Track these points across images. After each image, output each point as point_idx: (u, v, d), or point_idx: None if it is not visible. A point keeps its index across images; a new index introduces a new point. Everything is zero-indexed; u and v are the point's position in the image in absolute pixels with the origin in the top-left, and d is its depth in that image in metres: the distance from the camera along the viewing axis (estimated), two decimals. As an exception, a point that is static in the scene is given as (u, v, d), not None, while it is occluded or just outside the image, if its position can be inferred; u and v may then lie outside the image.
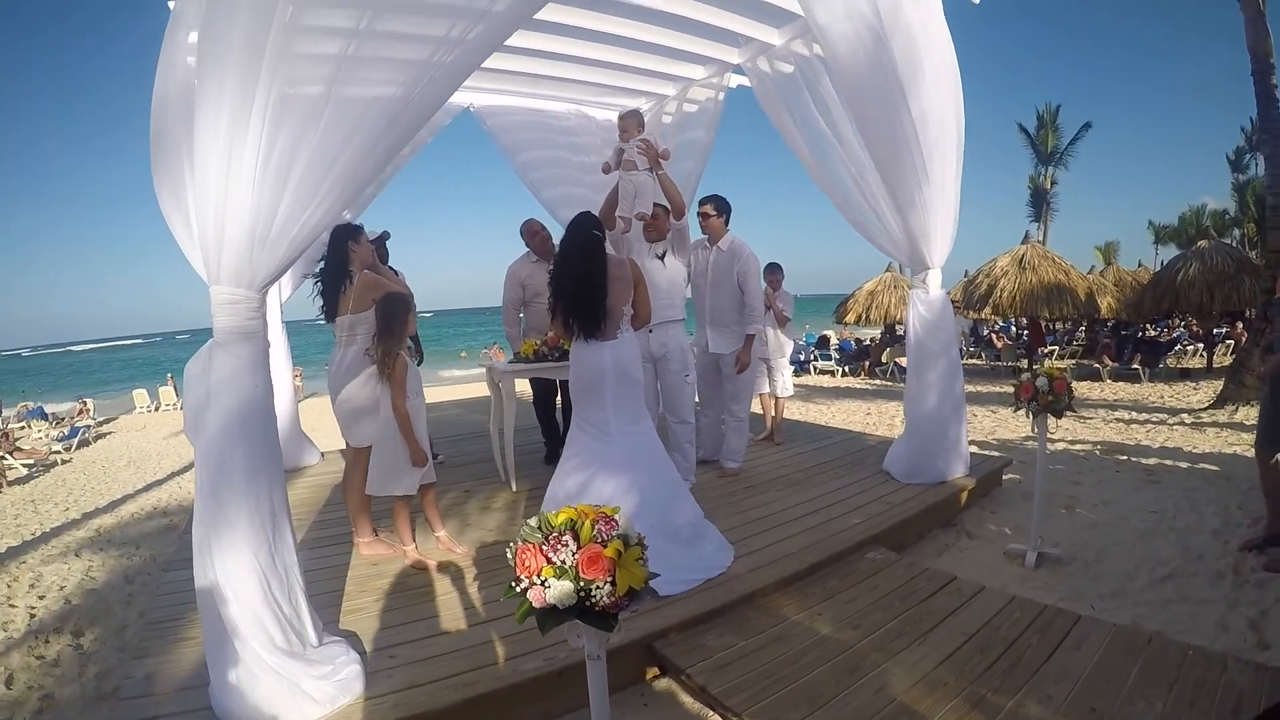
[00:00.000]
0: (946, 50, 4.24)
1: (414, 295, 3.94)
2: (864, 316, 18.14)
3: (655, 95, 6.82)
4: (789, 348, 6.59)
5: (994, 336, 18.98)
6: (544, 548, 1.51)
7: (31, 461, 11.29)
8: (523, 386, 5.68)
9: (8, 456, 10.85)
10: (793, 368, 7.61)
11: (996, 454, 6.03)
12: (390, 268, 4.88)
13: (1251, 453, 5.05)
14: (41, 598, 4.66)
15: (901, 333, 14.87)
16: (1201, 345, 14.79)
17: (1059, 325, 19.73)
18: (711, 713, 2.66)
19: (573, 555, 1.50)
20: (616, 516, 1.60)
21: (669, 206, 4.68)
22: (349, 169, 2.35)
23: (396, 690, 2.55)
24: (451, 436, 7.24)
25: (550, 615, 1.51)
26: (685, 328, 4.88)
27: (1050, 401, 3.65)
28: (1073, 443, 7.15)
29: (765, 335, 5.97)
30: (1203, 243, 13.85)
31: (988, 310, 15.20)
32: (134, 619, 4.06)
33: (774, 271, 6.38)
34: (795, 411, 10.07)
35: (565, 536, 1.52)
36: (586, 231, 3.48)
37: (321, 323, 4.00)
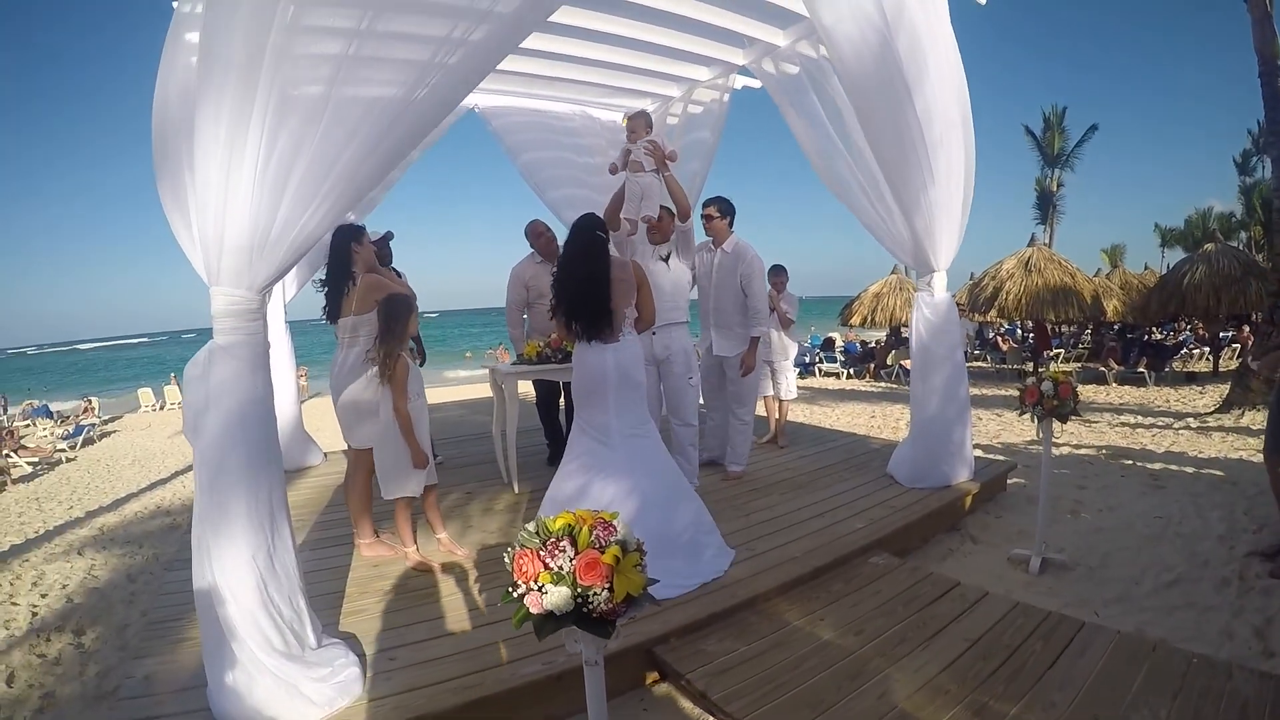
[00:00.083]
0: (951, 47, 4.21)
1: (417, 297, 3.94)
2: (869, 319, 18.09)
3: (660, 96, 6.81)
4: (793, 350, 6.57)
5: (999, 339, 18.92)
6: (541, 553, 1.50)
7: (36, 459, 11.32)
8: (526, 388, 5.67)
9: (13, 454, 10.89)
10: (798, 370, 7.59)
11: (1001, 458, 6.00)
12: (394, 269, 4.88)
13: (1258, 458, 5.01)
14: (44, 596, 4.67)
15: (907, 335, 14.86)
16: (1208, 349, 14.72)
17: (1065, 328, 19.62)
18: (711, 718, 2.64)
19: (570, 561, 1.49)
20: (615, 522, 1.59)
21: (674, 209, 4.67)
22: (349, 170, 2.35)
23: (396, 693, 2.55)
24: (454, 438, 7.24)
25: (547, 621, 1.49)
26: (689, 330, 4.86)
27: (1055, 406, 3.63)
28: (1078, 447, 7.12)
29: (769, 337, 5.96)
30: (1209, 246, 13.75)
31: (993, 313, 15.14)
32: (135, 618, 4.06)
33: (778, 273, 6.37)
34: (800, 414, 10.06)
35: (563, 542, 1.51)
36: (589, 233, 3.46)
37: (327, 322, 4.01)
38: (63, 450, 12.59)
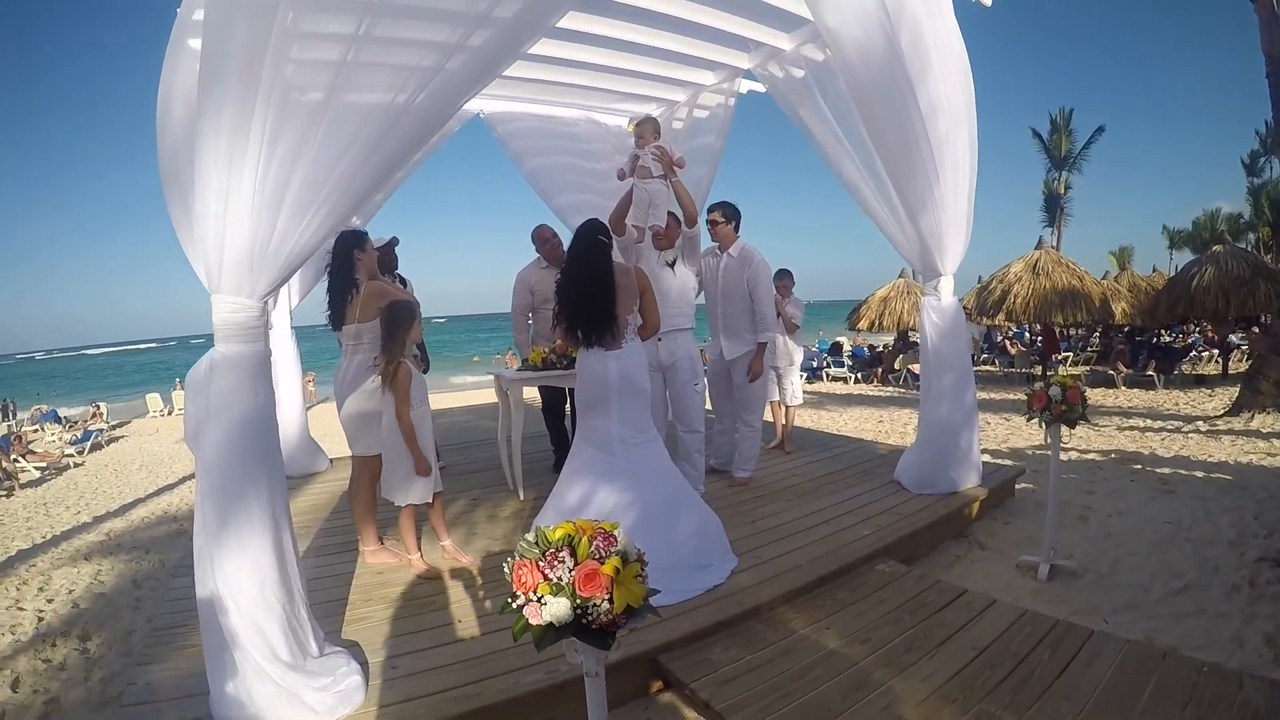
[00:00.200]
0: (956, 44, 4.17)
1: (420, 305, 3.93)
2: (877, 323, 18.08)
3: (666, 101, 6.80)
4: (799, 356, 6.54)
5: (1008, 343, 18.86)
6: (540, 564, 1.49)
7: (44, 464, 11.38)
8: (532, 393, 5.66)
9: (21, 459, 10.94)
10: (804, 375, 7.55)
11: (1009, 463, 5.96)
12: (399, 275, 4.88)
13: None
14: (50, 601, 4.68)
15: (914, 339, 14.80)
16: (1217, 351, 14.63)
17: (1073, 331, 19.56)
18: (715, 727, 2.62)
19: (569, 572, 1.47)
20: (616, 532, 1.58)
21: (680, 214, 4.65)
22: (348, 174, 2.34)
23: (398, 702, 2.54)
24: (459, 444, 7.24)
25: (547, 632, 1.48)
26: (695, 336, 4.85)
27: (1063, 411, 3.60)
28: (1086, 451, 7.07)
29: (775, 342, 5.93)
30: (1218, 247, 13.68)
31: (1001, 316, 15.08)
32: (141, 624, 4.06)
33: (784, 278, 6.34)
34: (807, 419, 10.02)
35: (562, 553, 1.49)
36: (592, 238, 3.45)
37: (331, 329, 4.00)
38: (70, 455, 12.66)
